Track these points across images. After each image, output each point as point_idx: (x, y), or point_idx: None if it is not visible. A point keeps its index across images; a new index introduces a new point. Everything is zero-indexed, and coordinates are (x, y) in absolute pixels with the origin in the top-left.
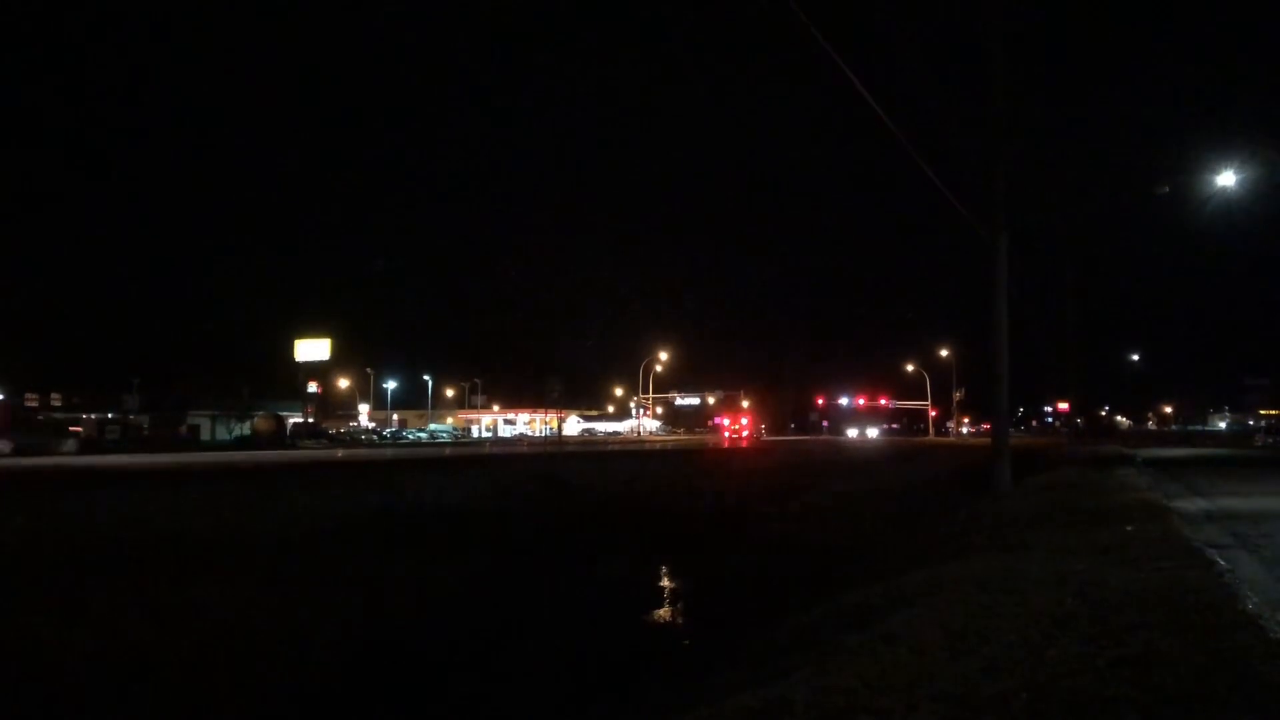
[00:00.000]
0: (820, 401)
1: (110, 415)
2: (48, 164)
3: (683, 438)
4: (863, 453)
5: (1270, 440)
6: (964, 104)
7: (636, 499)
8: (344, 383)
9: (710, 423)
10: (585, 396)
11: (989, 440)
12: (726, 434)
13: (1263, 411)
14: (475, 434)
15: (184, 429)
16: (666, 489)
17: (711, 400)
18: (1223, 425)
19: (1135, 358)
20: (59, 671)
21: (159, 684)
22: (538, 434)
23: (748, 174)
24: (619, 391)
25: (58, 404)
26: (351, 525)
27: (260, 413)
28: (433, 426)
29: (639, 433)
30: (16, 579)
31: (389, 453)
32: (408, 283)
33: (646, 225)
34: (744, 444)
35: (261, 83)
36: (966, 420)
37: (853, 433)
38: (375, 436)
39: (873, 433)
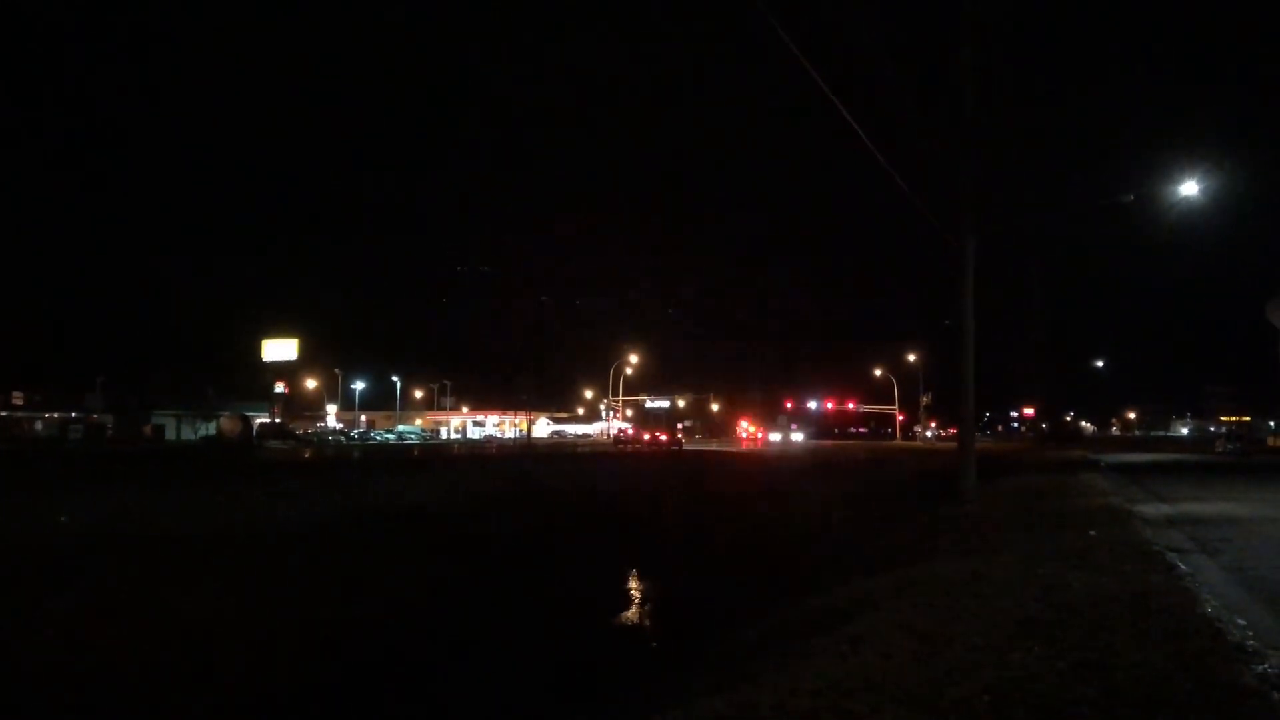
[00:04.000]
0: (789, 405)
1: (74, 414)
2: (11, 162)
3: None
4: (829, 459)
5: (1231, 446)
6: (933, 110)
7: (603, 502)
8: (311, 383)
9: (680, 425)
10: (555, 399)
11: (955, 445)
12: (745, 435)
13: (1223, 418)
14: (444, 436)
15: (148, 429)
16: (630, 492)
17: (681, 403)
18: (1185, 431)
19: (1100, 364)
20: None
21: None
22: (507, 436)
23: (717, 177)
24: (589, 394)
25: (19, 403)
26: (316, 528)
27: (226, 413)
28: (401, 428)
29: (608, 435)
30: None
31: (356, 454)
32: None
33: (617, 228)
34: (759, 445)
35: (231, 83)
36: (934, 424)
37: (776, 437)
38: (343, 438)
39: (798, 437)
